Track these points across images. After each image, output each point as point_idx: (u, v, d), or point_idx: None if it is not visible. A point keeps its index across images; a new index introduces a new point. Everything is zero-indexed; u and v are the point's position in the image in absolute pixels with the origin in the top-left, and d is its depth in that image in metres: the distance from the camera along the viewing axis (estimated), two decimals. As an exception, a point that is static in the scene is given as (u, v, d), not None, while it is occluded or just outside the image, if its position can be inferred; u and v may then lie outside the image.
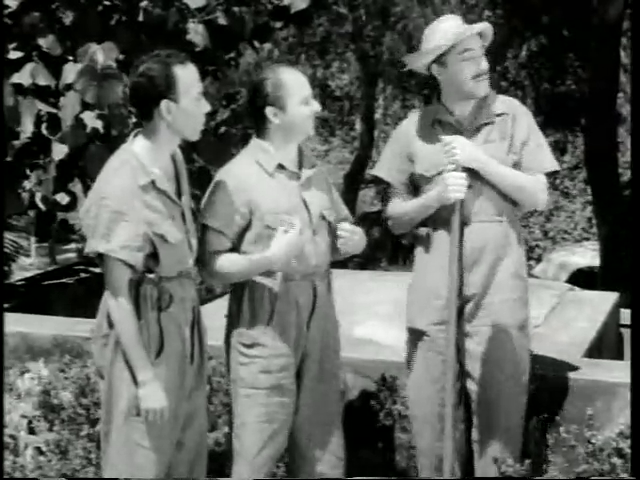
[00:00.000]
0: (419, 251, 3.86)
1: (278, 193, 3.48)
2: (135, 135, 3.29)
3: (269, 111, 3.46)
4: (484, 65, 3.69)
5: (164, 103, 3.18)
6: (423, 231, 3.83)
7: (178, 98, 3.18)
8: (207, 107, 3.28)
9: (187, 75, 3.20)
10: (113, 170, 3.23)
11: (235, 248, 3.48)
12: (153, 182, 3.22)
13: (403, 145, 3.84)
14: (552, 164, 3.80)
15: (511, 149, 3.73)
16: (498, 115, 3.75)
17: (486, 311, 3.74)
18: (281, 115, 3.46)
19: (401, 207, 3.84)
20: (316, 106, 3.52)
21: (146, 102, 3.20)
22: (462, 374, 3.78)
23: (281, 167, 3.51)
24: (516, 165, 3.74)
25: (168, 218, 3.26)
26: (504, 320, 3.74)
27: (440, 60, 3.70)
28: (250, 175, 3.48)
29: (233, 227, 3.45)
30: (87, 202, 3.29)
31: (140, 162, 3.21)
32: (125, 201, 3.17)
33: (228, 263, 3.46)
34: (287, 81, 3.46)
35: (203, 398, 3.49)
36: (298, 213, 3.48)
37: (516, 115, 3.77)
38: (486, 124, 3.75)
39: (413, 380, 3.88)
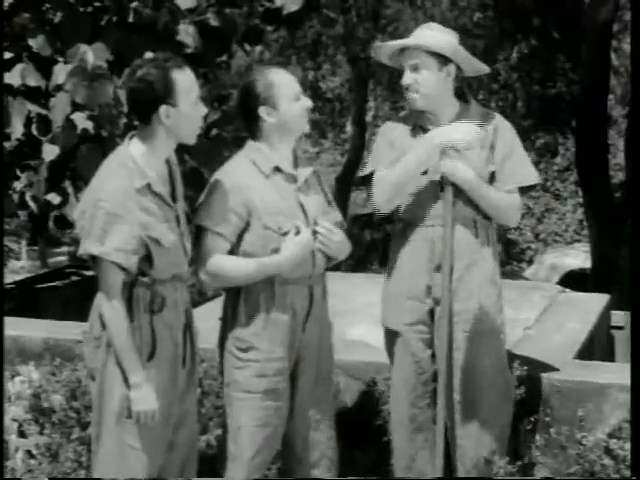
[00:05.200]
0: (392, 251, 3.89)
1: (275, 195, 3.47)
2: (131, 137, 3.29)
3: (262, 110, 3.46)
4: (405, 79, 3.74)
5: (163, 108, 3.18)
6: (397, 227, 3.85)
7: (177, 102, 3.18)
8: (204, 110, 3.29)
9: (185, 79, 3.20)
10: (109, 172, 3.22)
11: (232, 250, 3.47)
12: (149, 185, 3.21)
13: (388, 142, 3.85)
14: (533, 178, 3.85)
15: (490, 160, 3.77)
16: (479, 125, 3.76)
17: (461, 318, 3.75)
18: (274, 113, 3.46)
19: (387, 176, 3.76)
20: (307, 101, 3.52)
21: (145, 107, 3.20)
22: (436, 377, 3.79)
23: (277, 169, 3.51)
24: (493, 176, 3.77)
25: (163, 221, 3.25)
26: (480, 327, 3.76)
27: None
28: (247, 176, 3.47)
29: (231, 228, 3.44)
30: (82, 203, 3.28)
31: (137, 165, 3.21)
32: (121, 203, 3.16)
33: (231, 266, 3.44)
34: (276, 80, 3.48)
35: (194, 400, 3.48)
36: (295, 216, 3.48)
37: (498, 128, 3.81)
38: None
39: (392, 380, 3.92)
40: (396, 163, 3.76)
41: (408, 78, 3.75)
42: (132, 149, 3.25)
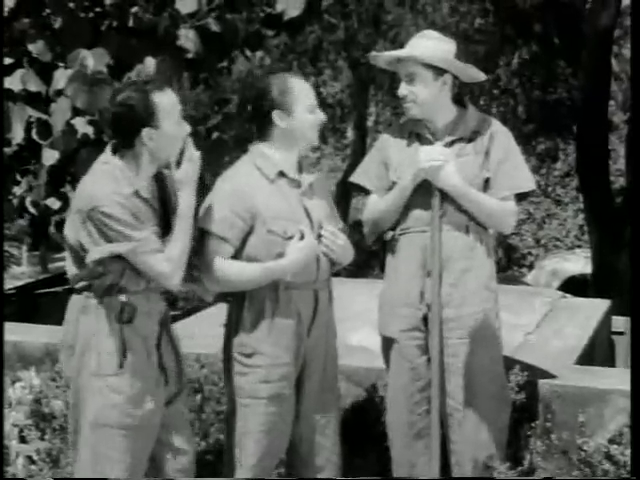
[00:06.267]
0: (388, 257, 3.89)
1: (279, 199, 3.47)
2: (114, 152, 3.27)
3: (276, 114, 3.46)
4: (400, 90, 3.76)
5: (145, 131, 3.18)
6: (389, 235, 3.84)
7: (159, 124, 3.19)
8: (187, 129, 3.29)
9: (166, 101, 3.21)
10: (95, 183, 3.22)
11: (237, 254, 3.46)
12: (137, 192, 3.21)
13: (381, 154, 3.88)
14: (528, 184, 3.83)
15: (484, 165, 3.76)
16: (475, 132, 3.78)
17: (456, 324, 3.74)
18: (287, 120, 3.46)
19: (377, 204, 3.84)
20: (321, 116, 3.53)
21: (127, 131, 3.21)
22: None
23: (282, 174, 3.51)
24: (488, 182, 3.76)
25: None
26: (476, 333, 3.75)
27: None
28: (251, 181, 3.47)
29: (235, 233, 3.44)
30: (73, 216, 3.25)
31: (123, 173, 3.21)
32: (115, 205, 3.15)
33: (236, 270, 3.43)
34: (294, 87, 3.48)
35: (183, 403, 3.47)
36: (299, 221, 3.48)
37: (494, 134, 3.79)
38: (461, 139, 3.77)
39: (388, 387, 3.92)
40: (385, 181, 3.82)
41: (404, 89, 3.76)
42: (117, 160, 3.25)
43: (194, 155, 3.31)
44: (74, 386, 3.29)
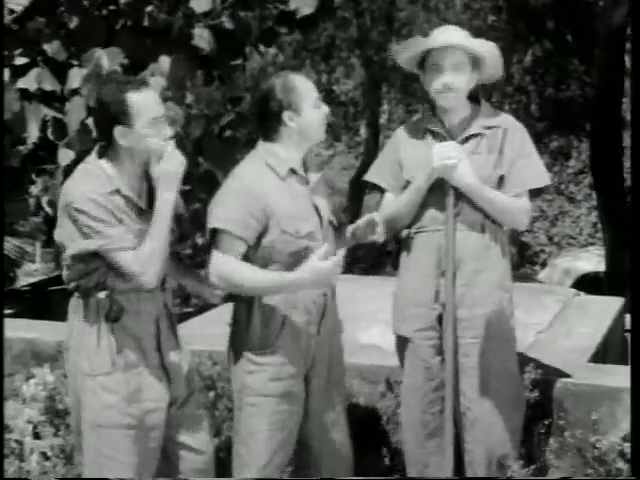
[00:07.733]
0: (403, 256, 3.88)
1: (290, 198, 3.45)
2: (98, 151, 3.29)
3: (286, 115, 3.44)
4: (446, 79, 3.67)
5: (118, 129, 3.18)
6: (404, 233, 3.84)
7: (132, 123, 3.18)
8: (167, 132, 3.26)
9: (142, 100, 3.19)
10: (74, 181, 3.23)
11: (249, 254, 3.42)
12: (118, 190, 3.21)
13: (395, 152, 3.87)
14: (542, 180, 3.80)
15: (498, 164, 3.74)
16: (488, 128, 3.76)
17: (469, 324, 3.73)
18: (297, 119, 3.44)
19: (392, 203, 3.83)
20: (326, 109, 3.52)
21: (103, 127, 3.23)
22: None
23: (292, 171, 3.49)
24: (502, 180, 3.74)
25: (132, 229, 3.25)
26: (489, 333, 3.74)
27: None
28: (263, 180, 3.44)
29: (251, 232, 3.40)
30: (58, 219, 3.28)
31: (105, 173, 3.22)
32: (87, 202, 3.16)
33: (246, 275, 3.38)
34: (298, 85, 3.46)
35: (198, 404, 3.47)
36: (310, 219, 3.47)
37: (508, 130, 3.77)
38: (475, 135, 3.76)
39: (402, 386, 3.92)
40: (399, 179, 3.80)
41: (449, 77, 3.66)
42: (101, 160, 3.26)
43: (176, 156, 3.27)
44: (72, 387, 3.31)
